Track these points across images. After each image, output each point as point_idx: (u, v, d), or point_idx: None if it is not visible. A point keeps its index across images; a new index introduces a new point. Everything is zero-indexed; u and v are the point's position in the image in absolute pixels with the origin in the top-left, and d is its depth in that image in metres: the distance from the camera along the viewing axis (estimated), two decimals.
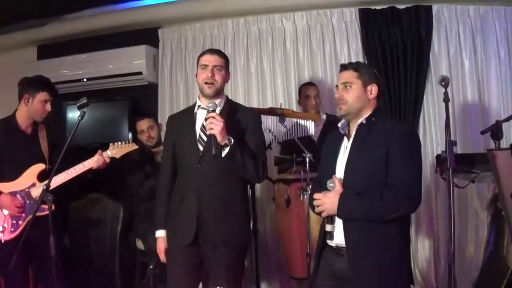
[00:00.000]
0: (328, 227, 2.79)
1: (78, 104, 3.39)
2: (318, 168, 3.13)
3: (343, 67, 2.91)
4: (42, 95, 3.74)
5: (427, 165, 5.02)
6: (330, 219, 2.78)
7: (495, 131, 3.61)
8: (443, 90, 2.85)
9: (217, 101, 3.32)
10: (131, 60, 5.66)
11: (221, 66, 3.30)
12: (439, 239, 5.08)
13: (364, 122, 2.82)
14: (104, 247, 4.51)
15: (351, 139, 2.85)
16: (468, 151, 4.78)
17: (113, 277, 4.44)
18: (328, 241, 2.84)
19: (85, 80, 5.73)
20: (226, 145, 3.10)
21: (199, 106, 3.40)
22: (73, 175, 3.70)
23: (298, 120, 4.49)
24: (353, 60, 5.17)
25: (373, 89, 2.83)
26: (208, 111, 3.14)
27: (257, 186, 4.67)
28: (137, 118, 4.90)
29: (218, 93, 3.34)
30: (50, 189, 3.35)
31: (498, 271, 4.51)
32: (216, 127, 3.05)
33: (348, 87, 2.83)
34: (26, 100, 3.76)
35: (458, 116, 5.01)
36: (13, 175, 3.70)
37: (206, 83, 3.29)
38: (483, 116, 5.00)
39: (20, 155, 3.72)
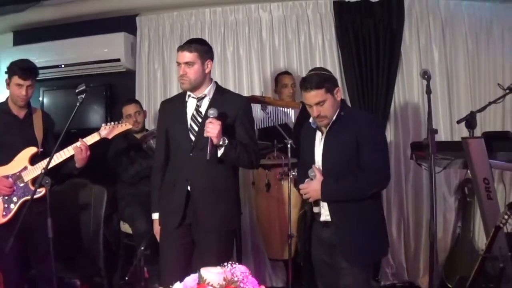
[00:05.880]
0: (315, 209, 3.17)
1: (77, 90, 3.49)
2: (300, 158, 3.50)
3: (306, 89, 3.07)
4: (14, 79, 3.70)
5: (399, 152, 5.26)
6: (316, 203, 3.16)
7: (470, 120, 3.83)
8: (423, 82, 3.13)
9: (205, 90, 3.43)
10: (110, 47, 5.65)
11: (191, 61, 3.33)
12: (409, 224, 5.29)
13: (334, 119, 3.12)
14: (88, 230, 4.55)
15: (324, 133, 3.16)
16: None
17: (97, 259, 4.47)
18: (316, 218, 3.20)
19: (63, 66, 5.72)
20: (220, 146, 3.22)
21: (189, 95, 3.47)
22: (59, 160, 3.67)
23: (279, 108, 4.60)
24: (327, 50, 5.38)
25: (338, 93, 3.14)
26: (208, 117, 3.21)
27: None
28: (124, 103, 4.89)
29: (196, 85, 3.40)
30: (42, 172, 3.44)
31: (466, 253, 4.78)
32: (213, 130, 3.16)
33: (321, 104, 3.06)
34: (7, 84, 3.77)
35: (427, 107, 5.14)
36: (7, 159, 3.70)
37: (180, 78, 3.39)
38: (451, 106, 5.19)
39: (13, 139, 3.72)
